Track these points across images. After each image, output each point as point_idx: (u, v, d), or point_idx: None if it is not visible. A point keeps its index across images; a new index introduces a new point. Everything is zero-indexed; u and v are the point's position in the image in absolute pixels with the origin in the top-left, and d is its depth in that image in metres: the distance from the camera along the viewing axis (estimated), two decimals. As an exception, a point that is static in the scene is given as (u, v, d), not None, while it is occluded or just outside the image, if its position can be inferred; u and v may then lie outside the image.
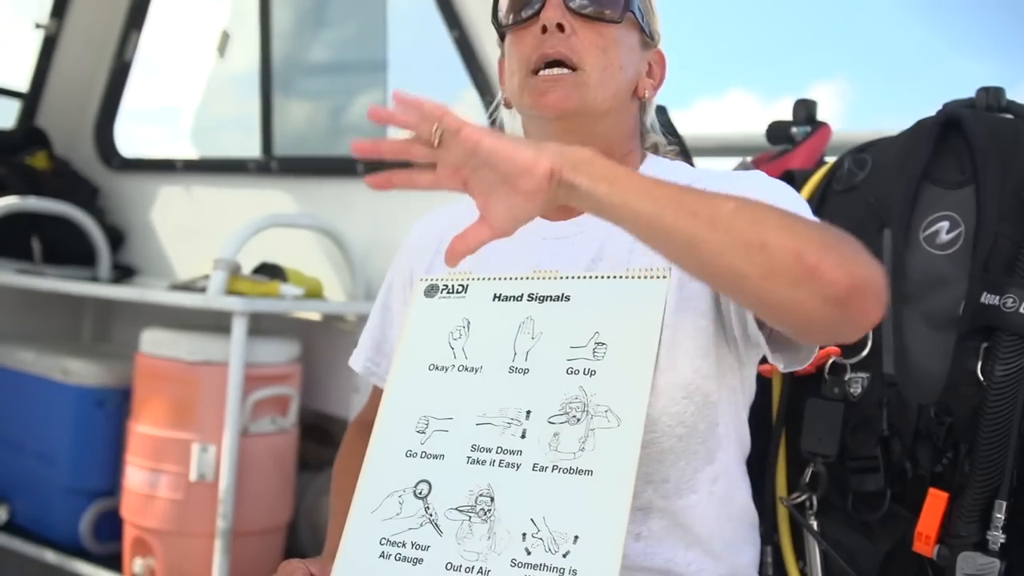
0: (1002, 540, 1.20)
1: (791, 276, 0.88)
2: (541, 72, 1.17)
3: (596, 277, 1.13)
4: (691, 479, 1.18)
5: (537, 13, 1.18)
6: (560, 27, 1.15)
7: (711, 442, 1.18)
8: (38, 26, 3.59)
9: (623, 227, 0.96)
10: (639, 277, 1.10)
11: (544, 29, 1.16)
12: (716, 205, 0.91)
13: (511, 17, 1.22)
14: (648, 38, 1.24)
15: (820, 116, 1.74)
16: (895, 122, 1.46)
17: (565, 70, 1.15)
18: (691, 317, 1.14)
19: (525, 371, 1.11)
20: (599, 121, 1.18)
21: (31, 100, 3.61)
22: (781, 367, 1.14)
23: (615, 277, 1.12)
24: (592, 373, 1.07)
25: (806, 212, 1.12)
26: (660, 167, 1.26)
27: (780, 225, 0.90)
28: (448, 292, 1.22)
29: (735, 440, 1.23)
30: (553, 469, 1.04)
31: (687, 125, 2.12)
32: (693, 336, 1.14)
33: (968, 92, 1.44)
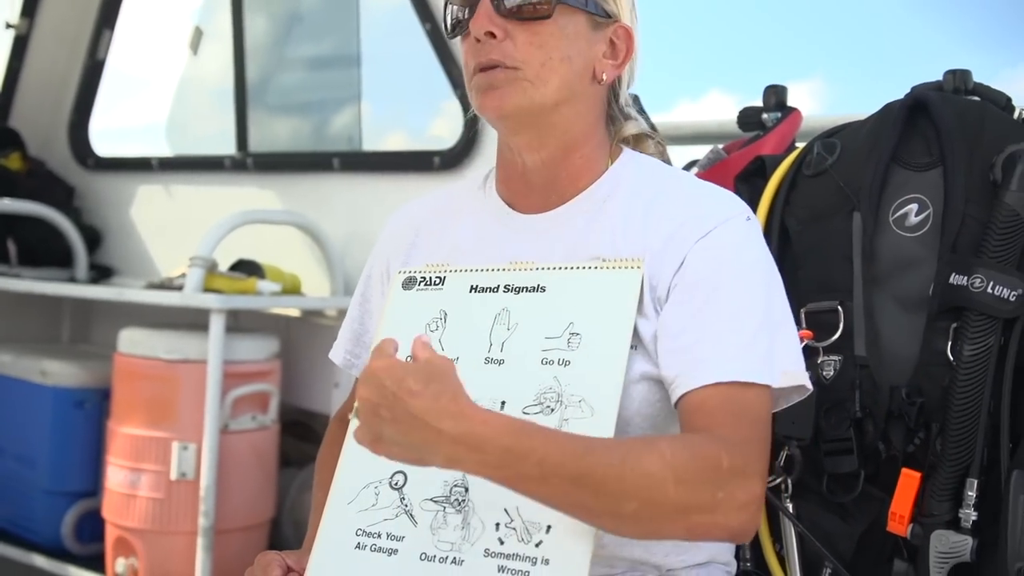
0: (974, 518, 1.21)
1: (687, 542, 1.08)
2: (476, 75, 1.15)
3: (571, 268, 1.14)
4: None
5: (467, 24, 1.16)
6: (491, 34, 1.13)
7: None
8: (8, 26, 3.56)
9: None
10: (613, 268, 1.11)
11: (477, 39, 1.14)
12: (618, 505, 0.95)
13: (449, 31, 1.22)
14: (601, 17, 1.19)
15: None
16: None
17: (499, 69, 1.13)
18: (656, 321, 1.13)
19: (500, 362, 1.12)
20: (550, 114, 1.15)
21: (3, 100, 3.58)
22: None
23: (589, 268, 1.12)
24: (566, 363, 1.08)
25: (770, 284, 1.13)
26: (634, 162, 1.25)
27: (676, 511, 0.97)
28: (426, 284, 1.22)
29: None
30: (527, 459, 1.04)
31: (693, 118, 2.11)
32: (662, 339, 1.13)
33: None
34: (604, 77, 1.20)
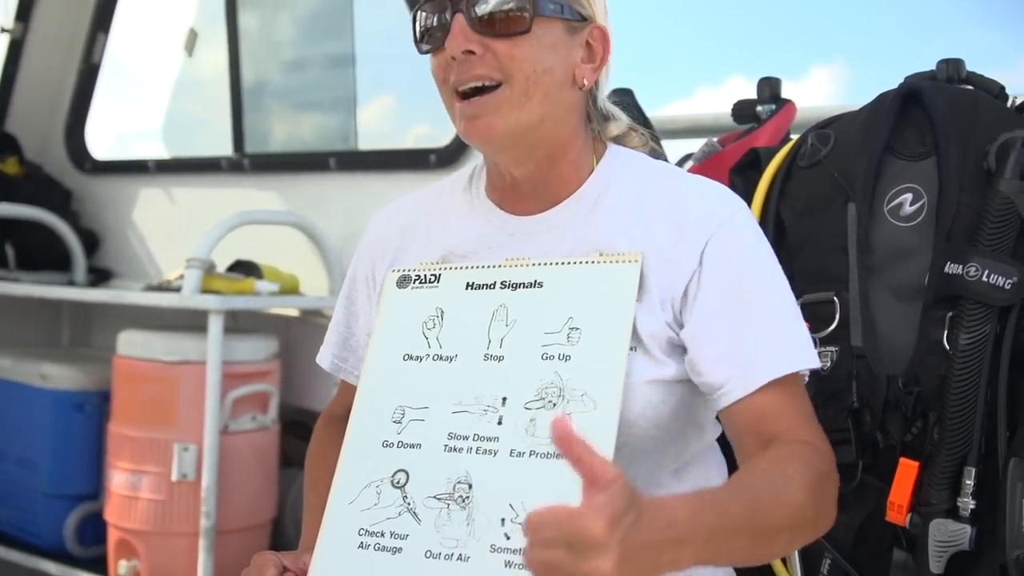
0: (972, 506, 1.21)
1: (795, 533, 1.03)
2: (460, 103, 1.13)
3: (568, 263, 1.14)
4: (656, 475, 1.18)
5: (442, 42, 1.12)
6: (470, 52, 1.10)
7: (681, 441, 1.18)
8: (3, 30, 3.56)
9: None
10: (610, 262, 1.11)
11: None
12: (774, 541, 1.00)
13: (419, 42, 1.18)
14: (576, 22, 1.16)
15: (819, 98, 1.74)
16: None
17: (487, 93, 1.11)
18: (660, 327, 1.13)
19: (500, 358, 1.12)
20: (536, 130, 1.13)
21: (-1, 105, 3.59)
22: None
23: (587, 263, 1.12)
24: (567, 358, 1.08)
25: (776, 277, 1.14)
26: (620, 159, 1.24)
27: (809, 531, 1.03)
28: (421, 282, 1.22)
29: (708, 428, 1.24)
30: (530, 454, 1.05)
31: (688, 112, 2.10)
32: (665, 343, 1.13)
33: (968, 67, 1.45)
34: (585, 82, 1.19)
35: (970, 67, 1.45)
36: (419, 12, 1.18)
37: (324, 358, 1.38)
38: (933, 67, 1.47)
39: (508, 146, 1.14)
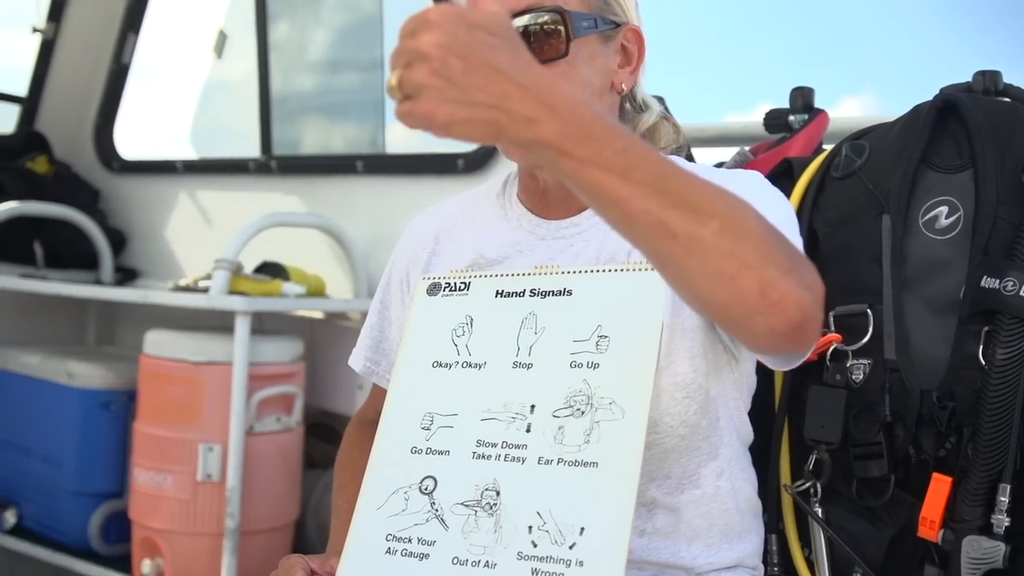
0: (1007, 523, 1.20)
1: (749, 307, 0.86)
2: None
3: (597, 271, 1.13)
4: (694, 474, 1.18)
5: None
6: None
7: (713, 438, 1.19)
8: (35, 30, 3.59)
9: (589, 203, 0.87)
10: (639, 269, 1.11)
11: None
12: (700, 222, 0.83)
13: None
14: (610, 29, 1.17)
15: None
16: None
17: None
18: (685, 318, 1.14)
19: (529, 366, 1.12)
20: None
21: (30, 104, 3.61)
22: (770, 366, 1.15)
23: (616, 270, 1.12)
24: (595, 366, 1.08)
25: (791, 224, 1.12)
26: None
27: (756, 252, 0.85)
28: (451, 290, 1.22)
29: (737, 433, 1.24)
30: (558, 462, 1.04)
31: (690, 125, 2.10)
32: (689, 336, 1.14)
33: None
34: (623, 87, 1.20)
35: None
36: None
37: (357, 361, 1.39)
38: (969, 79, 1.46)
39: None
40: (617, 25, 1.18)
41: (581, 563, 0.98)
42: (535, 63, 0.80)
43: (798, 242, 1.09)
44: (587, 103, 0.81)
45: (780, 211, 1.12)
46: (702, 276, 0.84)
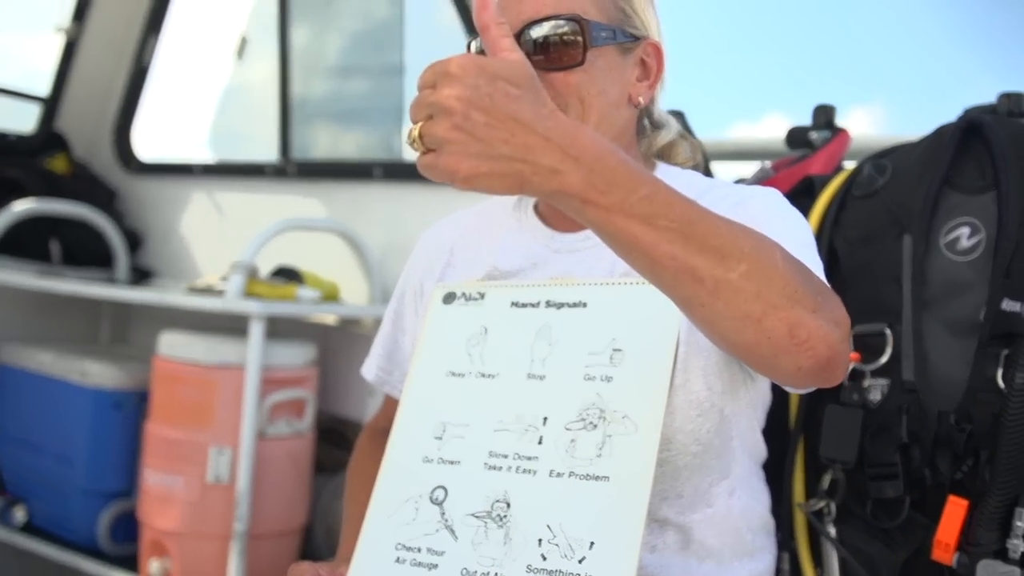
0: (1022, 548, 1.18)
1: (777, 347, 0.85)
2: None
3: (613, 284, 1.13)
4: (706, 493, 1.17)
5: None
6: None
7: (726, 456, 1.18)
8: (59, 30, 3.61)
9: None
10: None
11: None
12: (726, 266, 0.82)
13: None
14: (629, 42, 1.18)
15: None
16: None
17: None
18: (701, 336, 1.13)
19: (542, 377, 1.11)
20: None
21: (51, 104, 3.63)
22: (789, 390, 1.14)
23: (632, 283, 1.11)
24: (609, 379, 1.07)
25: (810, 247, 1.11)
26: (669, 176, 1.24)
27: (783, 293, 0.84)
28: (466, 299, 1.22)
29: (749, 452, 1.23)
30: (570, 475, 1.04)
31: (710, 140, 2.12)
32: (704, 354, 1.13)
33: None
34: (640, 100, 1.20)
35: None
36: (472, 43, 1.18)
37: (369, 370, 1.39)
38: (993, 100, 1.45)
39: None
40: (637, 39, 1.19)
41: None
42: (558, 112, 0.80)
43: (818, 264, 1.08)
44: (612, 150, 0.80)
45: (799, 233, 1.11)
46: (729, 318, 0.84)
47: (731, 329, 0.85)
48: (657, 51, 1.22)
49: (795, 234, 1.09)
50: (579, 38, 1.12)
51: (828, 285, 0.94)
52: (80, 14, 3.59)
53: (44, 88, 3.63)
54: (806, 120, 1.74)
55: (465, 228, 1.34)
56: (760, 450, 1.28)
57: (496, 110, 0.77)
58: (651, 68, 1.22)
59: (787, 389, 1.11)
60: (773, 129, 1.77)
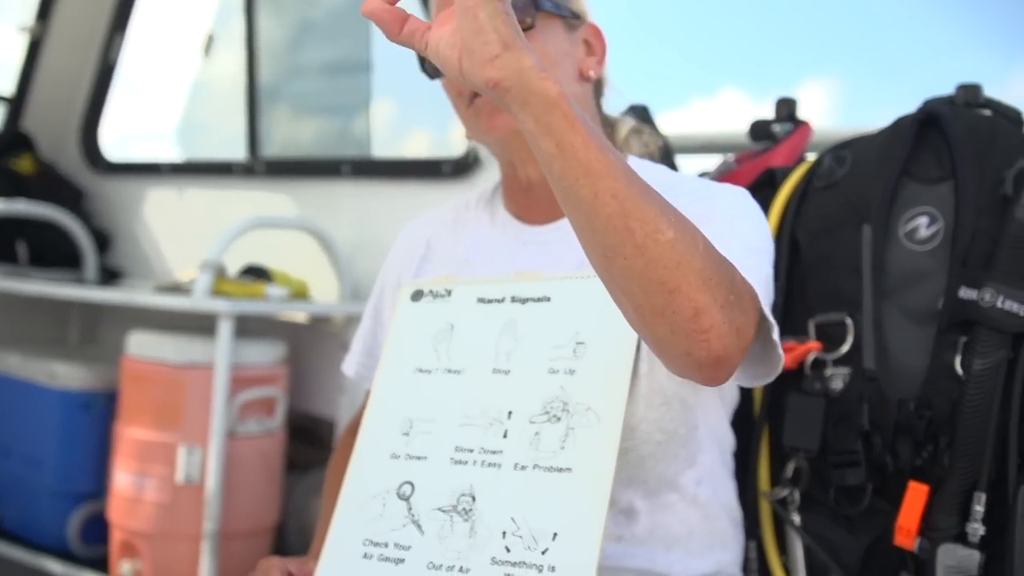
0: (982, 532, 1.20)
1: (677, 325, 0.85)
2: (476, 100, 1.16)
3: (576, 278, 1.14)
4: (672, 481, 1.18)
5: None
6: None
7: (691, 445, 1.19)
8: (23, 29, 3.57)
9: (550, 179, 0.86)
10: None
11: None
12: (656, 226, 0.83)
13: (429, 72, 1.21)
14: (572, 19, 1.22)
15: (811, 113, 1.75)
16: (886, 119, 1.46)
17: None
18: None
19: (507, 372, 1.12)
20: None
21: (16, 104, 3.60)
22: (740, 384, 1.15)
23: (594, 277, 1.12)
24: (572, 372, 1.08)
25: (761, 252, 1.12)
26: (639, 169, 1.25)
27: (700, 276, 0.85)
28: (433, 296, 1.23)
29: (717, 442, 1.24)
30: (533, 468, 1.05)
31: (681, 124, 2.12)
32: None
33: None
34: (591, 74, 1.23)
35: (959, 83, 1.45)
36: None
37: (350, 366, 1.40)
38: (951, 91, 1.47)
39: (523, 140, 1.15)
40: (578, 17, 1.23)
41: (553, 568, 0.98)
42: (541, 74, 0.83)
43: (759, 272, 1.07)
44: (588, 126, 0.84)
45: (753, 238, 1.13)
46: (645, 279, 0.84)
47: (642, 290, 0.85)
48: (597, 32, 1.26)
49: (749, 237, 1.11)
50: (527, 2, 1.15)
51: (755, 294, 0.94)
52: (44, 12, 3.56)
53: (8, 87, 3.59)
54: (762, 96, 1.75)
55: (440, 224, 1.37)
56: (728, 441, 1.29)
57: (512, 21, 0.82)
58: (595, 47, 1.26)
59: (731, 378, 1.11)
60: (730, 104, 1.78)
